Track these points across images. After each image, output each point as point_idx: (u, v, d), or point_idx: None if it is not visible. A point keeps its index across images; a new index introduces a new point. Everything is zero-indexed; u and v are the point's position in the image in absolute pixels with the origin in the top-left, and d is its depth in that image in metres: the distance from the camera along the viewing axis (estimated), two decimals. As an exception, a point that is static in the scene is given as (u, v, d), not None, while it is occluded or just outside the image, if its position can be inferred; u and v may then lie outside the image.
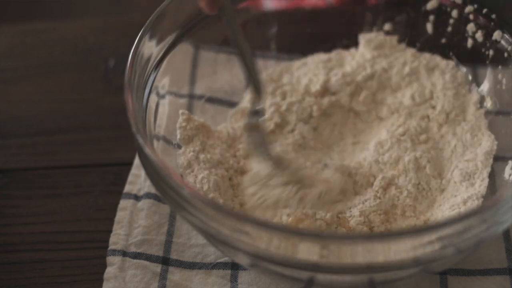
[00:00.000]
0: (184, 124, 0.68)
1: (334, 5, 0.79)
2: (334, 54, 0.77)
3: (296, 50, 0.78)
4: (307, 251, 0.53)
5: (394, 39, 0.77)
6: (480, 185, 0.65)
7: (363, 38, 0.77)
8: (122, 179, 0.70)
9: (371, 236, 0.58)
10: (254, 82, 0.64)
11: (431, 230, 0.52)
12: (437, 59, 0.75)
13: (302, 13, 0.79)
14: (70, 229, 0.68)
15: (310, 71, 0.76)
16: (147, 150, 0.56)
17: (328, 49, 0.77)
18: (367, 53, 0.76)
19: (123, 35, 0.85)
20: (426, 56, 0.76)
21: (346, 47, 0.78)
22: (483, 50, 0.72)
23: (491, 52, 0.71)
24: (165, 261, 0.64)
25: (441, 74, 0.74)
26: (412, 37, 0.77)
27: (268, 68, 0.77)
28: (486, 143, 0.68)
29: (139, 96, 0.62)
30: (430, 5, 0.75)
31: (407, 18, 0.77)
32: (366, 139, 0.72)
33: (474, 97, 0.72)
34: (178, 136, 0.68)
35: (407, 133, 0.70)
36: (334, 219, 0.64)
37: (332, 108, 0.74)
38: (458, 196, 0.65)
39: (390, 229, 0.64)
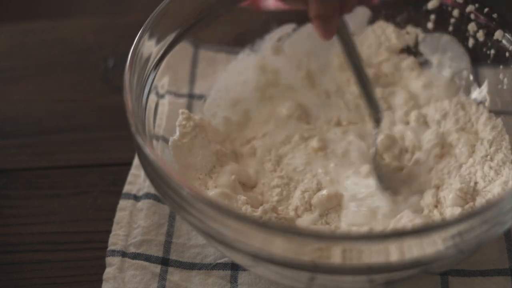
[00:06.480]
0: (184, 123, 0.68)
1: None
2: None
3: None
4: (307, 252, 0.53)
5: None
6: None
7: (364, 37, 0.77)
8: (121, 179, 0.70)
9: (372, 236, 0.58)
10: (374, 110, 0.65)
11: (432, 231, 0.52)
12: None
13: (302, 13, 0.79)
14: (69, 229, 0.68)
15: None
16: (146, 150, 0.56)
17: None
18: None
19: (122, 35, 0.85)
20: None
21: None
22: (484, 49, 0.72)
23: (492, 52, 0.71)
24: (165, 262, 0.64)
25: None
26: (413, 37, 0.77)
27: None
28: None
29: (139, 95, 0.62)
30: (431, 5, 0.74)
31: (408, 18, 0.76)
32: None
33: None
34: (178, 135, 0.68)
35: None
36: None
37: None
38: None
39: (391, 229, 0.64)
